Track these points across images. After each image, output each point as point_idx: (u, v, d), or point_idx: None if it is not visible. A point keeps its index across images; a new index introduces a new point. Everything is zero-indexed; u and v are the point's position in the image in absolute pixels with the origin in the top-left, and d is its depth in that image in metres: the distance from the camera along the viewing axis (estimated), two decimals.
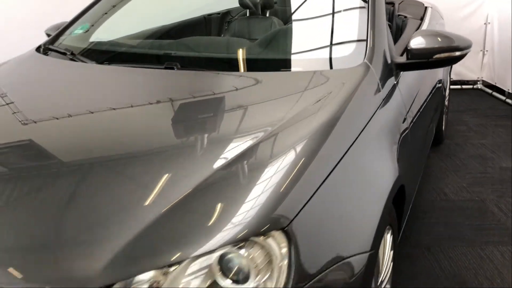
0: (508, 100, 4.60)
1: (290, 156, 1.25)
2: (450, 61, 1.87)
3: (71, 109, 1.64)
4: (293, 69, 1.85)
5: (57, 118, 1.59)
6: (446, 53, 1.80)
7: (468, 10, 4.97)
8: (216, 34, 3.20)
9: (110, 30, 2.42)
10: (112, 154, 1.42)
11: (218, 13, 3.27)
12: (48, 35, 2.47)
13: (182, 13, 3.02)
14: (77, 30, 2.37)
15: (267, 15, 3.05)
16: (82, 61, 2.05)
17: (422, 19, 2.91)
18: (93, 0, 2.53)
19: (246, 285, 1.03)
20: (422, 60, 1.81)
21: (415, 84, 2.20)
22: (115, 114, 1.62)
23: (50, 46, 2.24)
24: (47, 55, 2.18)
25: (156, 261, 1.02)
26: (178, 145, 1.43)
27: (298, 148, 1.28)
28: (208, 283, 1.02)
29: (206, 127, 1.51)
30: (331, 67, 1.79)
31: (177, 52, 2.06)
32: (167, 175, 1.25)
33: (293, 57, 1.94)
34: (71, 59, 2.06)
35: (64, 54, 2.10)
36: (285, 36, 2.24)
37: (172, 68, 1.84)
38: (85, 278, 1.01)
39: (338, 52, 1.87)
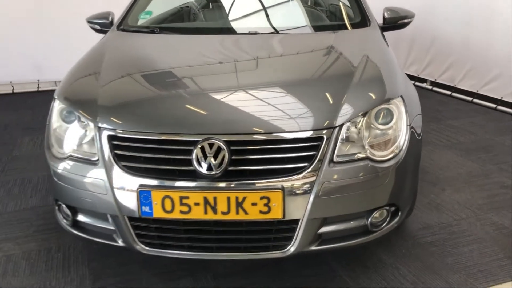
0: None
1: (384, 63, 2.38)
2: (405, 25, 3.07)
3: (207, 54, 2.60)
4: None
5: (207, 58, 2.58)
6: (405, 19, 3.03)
7: None
8: None
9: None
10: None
11: None
12: (89, 22, 3.18)
13: None
14: (143, 15, 3.11)
15: None
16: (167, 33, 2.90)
17: None
18: None
19: (390, 124, 2.00)
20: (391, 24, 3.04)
21: None
22: (236, 54, 2.65)
23: (127, 28, 2.97)
24: (127, 31, 2.93)
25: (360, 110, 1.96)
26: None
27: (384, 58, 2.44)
28: (366, 127, 1.96)
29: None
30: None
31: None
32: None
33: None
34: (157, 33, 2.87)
35: (152, 32, 2.88)
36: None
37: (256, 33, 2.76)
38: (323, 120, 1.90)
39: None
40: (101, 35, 3.18)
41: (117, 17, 3.18)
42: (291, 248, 1.88)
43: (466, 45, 4.97)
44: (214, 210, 1.81)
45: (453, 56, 5.17)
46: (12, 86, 5.77)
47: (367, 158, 1.91)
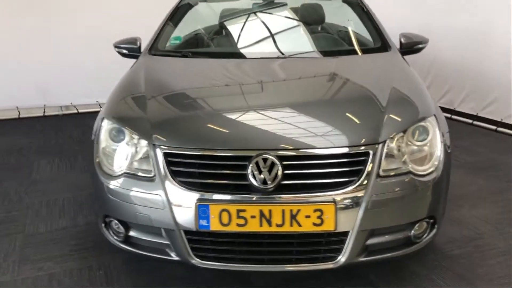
0: None
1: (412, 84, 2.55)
2: (420, 49, 3.17)
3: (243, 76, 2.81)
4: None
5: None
6: (420, 44, 3.13)
7: None
8: None
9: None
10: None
11: None
12: (116, 46, 3.28)
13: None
14: (173, 40, 3.31)
15: None
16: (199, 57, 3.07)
17: None
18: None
19: (426, 141, 2.14)
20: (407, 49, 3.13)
21: None
22: (272, 77, 2.75)
23: (158, 52, 3.12)
24: (157, 55, 3.06)
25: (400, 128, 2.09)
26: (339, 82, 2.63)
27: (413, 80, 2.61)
28: (406, 143, 2.08)
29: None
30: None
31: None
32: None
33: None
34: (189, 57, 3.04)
35: (185, 56, 3.04)
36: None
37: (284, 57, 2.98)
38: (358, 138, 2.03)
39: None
40: (127, 59, 3.31)
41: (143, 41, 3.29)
42: (342, 259, 1.96)
43: (465, 69, 5.19)
44: (269, 223, 1.89)
45: (452, 79, 5.39)
46: (19, 111, 5.79)
47: (409, 172, 2.03)
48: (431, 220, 2.16)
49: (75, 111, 6.02)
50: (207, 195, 1.92)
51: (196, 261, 2.00)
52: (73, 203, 3.29)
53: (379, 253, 2.05)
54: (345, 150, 1.97)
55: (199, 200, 1.91)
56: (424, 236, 2.15)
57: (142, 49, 3.22)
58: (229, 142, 2.02)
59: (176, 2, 3.57)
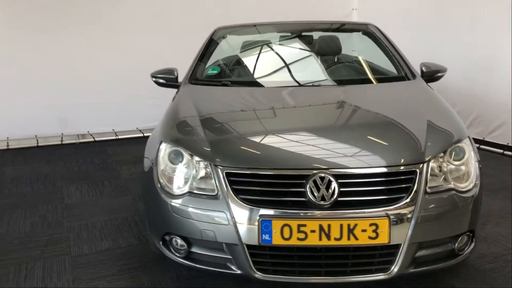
0: None
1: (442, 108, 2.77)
2: (439, 78, 3.37)
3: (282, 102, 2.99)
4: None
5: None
6: (439, 73, 3.33)
7: None
8: None
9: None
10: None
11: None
12: (153, 76, 3.49)
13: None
14: (211, 71, 3.50)
15: None
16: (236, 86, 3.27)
17: None
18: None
19: (462, 160, 2.32)
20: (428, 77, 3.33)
21: None
22: (305, 102, 2.94)
23: (199, 82, 3.34)
24: (198, 84, 3.28)
25: (441, 149, 2.28)
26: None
27: (444, 105, 2.81)
28: (445, 163, 2.26)
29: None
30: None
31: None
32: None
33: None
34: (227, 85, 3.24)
35: (225, 84, 3.24)
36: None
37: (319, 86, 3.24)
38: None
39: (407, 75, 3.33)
40: (164, 89, 3.50)
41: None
42: (394, 270, 2.11)
43: (471, 96, 5.43)
44: (328, 237, 2.04)
45: (459, 106, 5.62)
46: (37, 140, 5.93)
47: (452, 189, 2.20)
48: (471, 234, 2.31)
49: (91, 139, 6.16)
50: (268, 211, 2.07)
51: (258, 274, 2.13)
52: (111, 226, 3.40)
53: (426, 265, 2.20)
54: (395, 169, 2.13)
55: (261, 216, 2.06)
56: (466, 248, 2.31)
57: (180, 79, 3.41)
58: (287, 161, 2.18)
59: (208, 35, 3.77)
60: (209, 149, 2.26)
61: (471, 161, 2.34)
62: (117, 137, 6.25)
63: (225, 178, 2.15)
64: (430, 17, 5.85)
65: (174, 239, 2.31)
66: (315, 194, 2.05)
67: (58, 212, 3.69)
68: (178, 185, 2.28)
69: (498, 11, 5.05)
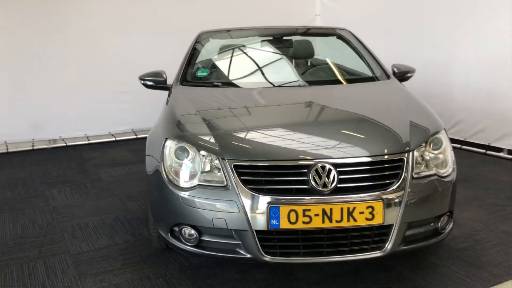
0: None
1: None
2: (408, 78, 3.72)
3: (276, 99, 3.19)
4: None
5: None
6: (409, 73, 3.70)
7: None
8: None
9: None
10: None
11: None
12: (141, 79, 3.61)
13: None
14: (200, 73, 3.62)
15: None
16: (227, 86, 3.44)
17: None
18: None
19: (440, 150, 2.60)
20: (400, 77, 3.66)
21: None
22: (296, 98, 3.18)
23: (189, 83, 3.49)
24: (190, 86, 3.43)
25: (423, 140, 2.56)
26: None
27: (419, 101, 3.09)
28: (427, 152, 2.53)
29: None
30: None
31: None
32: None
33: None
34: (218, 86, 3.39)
35: (217, 86, 3.39)
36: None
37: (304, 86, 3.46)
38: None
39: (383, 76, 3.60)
40: (151, 90, 3.63)
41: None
42: (388, 247, 2.35)
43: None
44: (330, 219, 2.26)
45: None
46: (7, 146, 5.86)
47: (435, 174, 2.47)
48: (450, 214, 2.60)
49: (63, 144, 6.15)
50: (275, 199, 2.26)
51: (267, 257, 2.32)
52: (104, 225, 3.48)
53: (414, 243, 2.45)
54: (386, 157, 2.39)
55: (270, 203, 2.25)
56: (446, 227, 2.59)
57: (169, 81, 3.55)
58: (291, 153, 2.39)
59: (193, 39, 3.94)
60: (216, 144, 2.43)
61: (448, 150, 2.63)
62: (89, 141, 6.26)
63: (234, 170, 2.33)
64: (389, 23, 6.23)
65: (183, 229, 2.45)
66: (318, 182, 2.27)
67: (46, 214, 3.73)
68: (187, 178, 2.43)
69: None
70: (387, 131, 2.61)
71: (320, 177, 2.28)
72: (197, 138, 2.55)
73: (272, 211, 2.25)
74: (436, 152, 2.59)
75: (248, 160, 2.35)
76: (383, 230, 2.35)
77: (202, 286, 2.62)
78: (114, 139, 6.40)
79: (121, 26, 6.16)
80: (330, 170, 2.29)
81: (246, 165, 2.34)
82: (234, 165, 2.34)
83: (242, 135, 2.59)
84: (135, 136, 6.48)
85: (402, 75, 3.68)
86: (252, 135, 2.58)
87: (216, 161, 2.39)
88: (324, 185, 2.27)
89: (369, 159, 2.37)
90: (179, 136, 2.58)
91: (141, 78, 3.61)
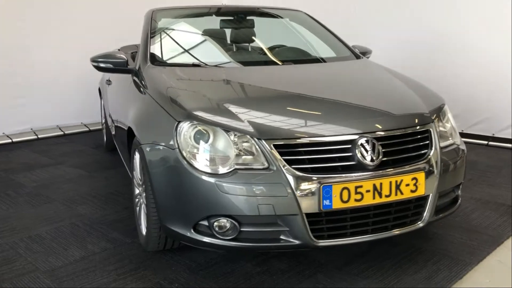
0: None
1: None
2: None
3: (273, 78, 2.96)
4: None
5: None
6: (367, 54, 3.72)
7: None
8: None
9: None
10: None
11: None
12: (94, 61, 3.08)
13: None
14: (172, 52, 3.30)
15: None
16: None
17: None
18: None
19: (447, 121, 2.61)
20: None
21: None
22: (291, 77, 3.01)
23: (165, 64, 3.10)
24: (162, 66, 3.02)
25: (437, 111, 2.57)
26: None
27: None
28: (440, 123, 2.52)
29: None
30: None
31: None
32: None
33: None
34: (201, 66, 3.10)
35: (198, 65, 3.10)
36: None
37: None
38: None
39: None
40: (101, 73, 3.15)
41: None
42: (426, 217, 2.32)
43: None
44: (380, 195, 2.16)
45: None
46: None
47: (454, 143, 2.51)
48: (461, 183, 2.67)
49: None
50: (327, 177, 2.08)
51: (317, 242, 2.12)
52: (63, 234, 2.93)
53: (442, 212, 2.47)
54: (418, 128, 2.36)
55: (321, 182, 2.07)
56: (460, 196, 2.65)
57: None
58: (333, 129, 2.22)
59: (148, 18, 3.49)
60: (248, 125, 2.17)
61: (452, 121, 2.70)
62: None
63: (275, 151, 2.09)
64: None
65: (216, 221, 2.14)
66: (365, 156, 2.15)
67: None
68: (219, 163, 2.13)
69: None
70: (410, 103, 2.57)
71: (367, 151, 2.16)
72: (221, 119, 2.24)
73: (325, 191, 2.07)
74: (446, 124, 2.63)
75: (289, 138, 2.13)
76: (420, 202, 2.32)
77: (228, 286, 2.32)
78: (10, 140, 5.51)
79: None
80: (373, 144, 2.18)
81: (287, 144, 2.12)
82: (274, 145, 2.10)
83: (274, 113, 2.35)
84: (36, 137, 5.64)
85: (364, 55, 3.71)
86: (288, 112, 2.37)
87: (247, 143, 2.13)
88: (371, 160, 2.16)
89: (406, 131, 2.32)
90: (196, 117, 2.25)
91: (93, 60, 3.09)
